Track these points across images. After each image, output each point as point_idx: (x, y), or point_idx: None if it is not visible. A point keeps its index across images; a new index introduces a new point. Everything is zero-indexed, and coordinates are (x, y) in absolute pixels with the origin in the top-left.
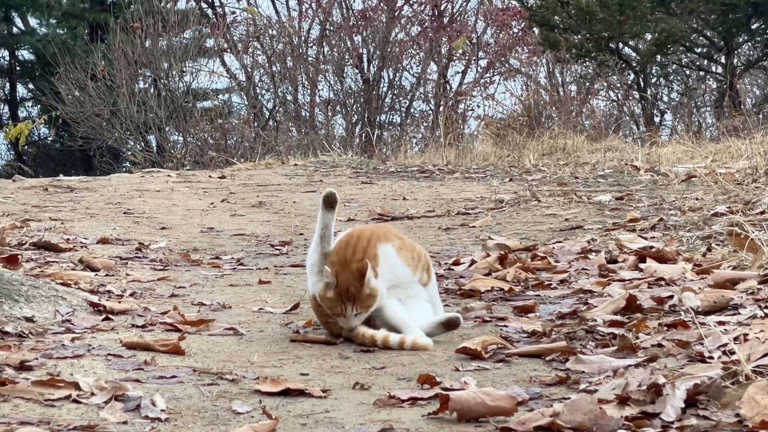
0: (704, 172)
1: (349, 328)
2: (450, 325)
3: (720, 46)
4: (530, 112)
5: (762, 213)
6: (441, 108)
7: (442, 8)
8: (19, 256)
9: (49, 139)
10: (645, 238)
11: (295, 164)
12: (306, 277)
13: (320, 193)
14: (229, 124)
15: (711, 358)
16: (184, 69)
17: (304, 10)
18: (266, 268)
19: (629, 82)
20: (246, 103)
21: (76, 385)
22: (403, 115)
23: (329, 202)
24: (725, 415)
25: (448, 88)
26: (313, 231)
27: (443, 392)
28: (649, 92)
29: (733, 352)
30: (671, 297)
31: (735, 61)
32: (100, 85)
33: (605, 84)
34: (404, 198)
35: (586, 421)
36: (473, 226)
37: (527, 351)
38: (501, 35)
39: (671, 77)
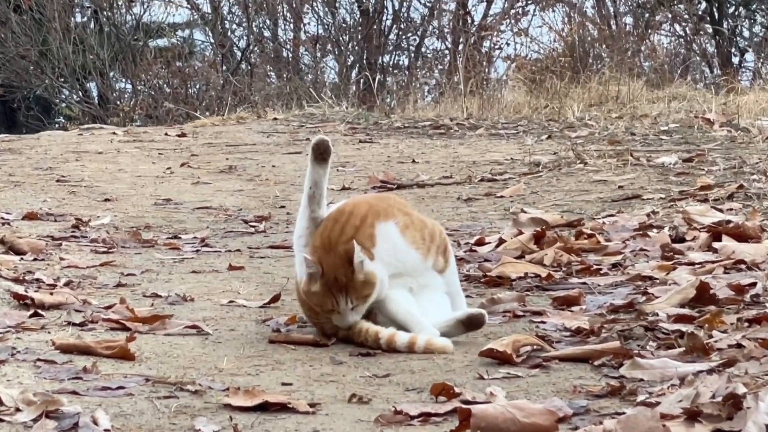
0: None
1: (346, 325)
2: (472, 323)
3: None
4: (574, 52)
5: None
6: (460, 47)
7: None
8: None
9: None
10: (720, 211)
11: (275, 118)
12: (291, 260)
13: (307, 153)
14: (191, 68)
15: None
16: None
17: None
18: (238, 251)
19: (700, 12)
20: (212, 41)
21: None
22: (412, 55)
23: (320, 153)
24: None
25: (469, 21)
26: (299, 203)
27: (463, 406)
28: (725, 25)
29: None
30: (754, 285)
31: None
32: (25, 19)
33: (669, 15)
34: (413, 161)
35: None
36: (501, 196)
37: (570, 354)
38: None
39: (754, 6)
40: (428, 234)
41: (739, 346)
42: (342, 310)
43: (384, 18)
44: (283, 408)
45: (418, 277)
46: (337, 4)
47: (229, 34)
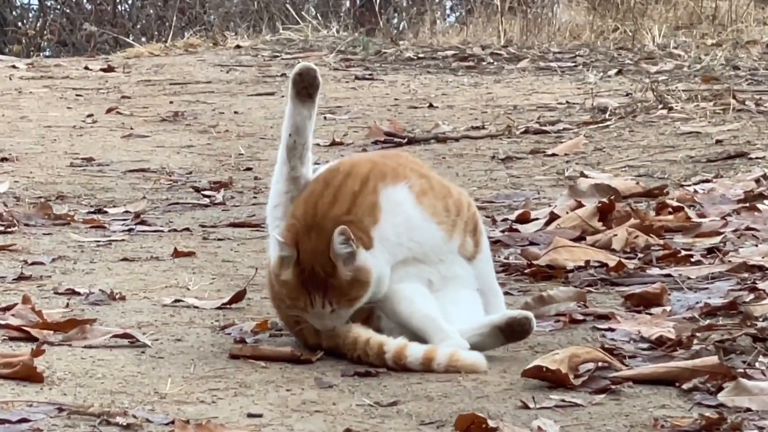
0: None
1: (323, 329)
2: (514, 330)
3: None
4: None
5: None
6: None
7: None
8: None
9: None
10: None
11: (238, 47)
12: (260, 243)
13: (285, 90)
14: None
15: None
16: None
17: None
18: (187, 230)
19: None
20: None
21: None
22: None
23: (304, 86)
24: None
25: None
26: (273, 162)
27: None
28: None
29: None
30: None
31: None
32: None
33: None
34: (431, 105)
35: None
36: (553, 155)
37: (649, 374)
38: None
39: None
40: (453, 204)
41: None
42: (317, 313)
43: None
44: None
45: (440, 265)
46: None
47: None
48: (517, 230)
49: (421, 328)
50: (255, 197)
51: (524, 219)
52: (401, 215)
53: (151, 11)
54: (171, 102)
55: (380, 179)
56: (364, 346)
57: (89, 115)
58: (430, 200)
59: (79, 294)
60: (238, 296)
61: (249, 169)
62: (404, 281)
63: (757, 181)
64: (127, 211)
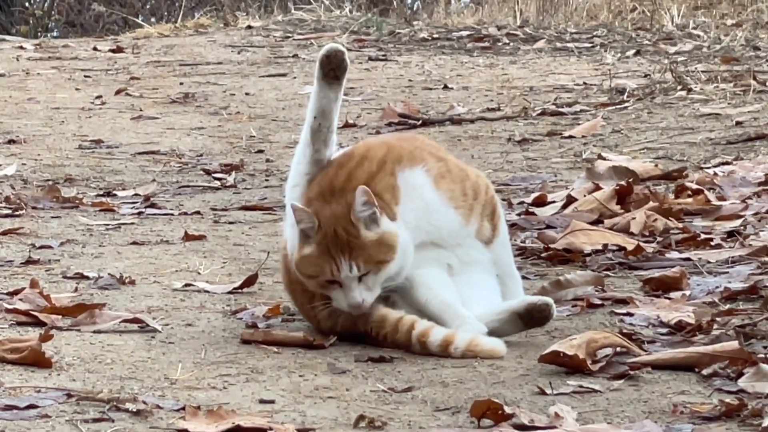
0: None
1: (354, 305)
2: (533, 317)
3: None
4: None
5: None
6: None
7: None
8: None
9: None
10: None
11: (249, 27)
12: (272, 227)
13: (296, 72)
14: None
15: None
16: None
17: None
18: (197, 213)
19: None
20: None
21: None
22: None
23: (332, 68)
24: None
25: None
26: (283, 144)
27: None
28: None
29: None
30: None
31: None
32: None
33: None
34: (445, 86)
35: None
36: (570, 137)
37: (668, 359)
38: None
39: None
40: (471, 188)
41: None
42: (345, 278)
43: None
44: None
45: (458, 249)
46: None
47: None
48: (533, 213)
49: (438, 314)
50: (267, 180)
51: (541, 202)
52: (419, 199)
53: None
54: (181, 83)
55: (397, 162)
56: (395, 323)
57: (98, 97)
58: (448, 184)
59: (87, 278)
60: (250, 280)
61: (260, 151)
62: (422, 266)
63: None
64: (136, 194)
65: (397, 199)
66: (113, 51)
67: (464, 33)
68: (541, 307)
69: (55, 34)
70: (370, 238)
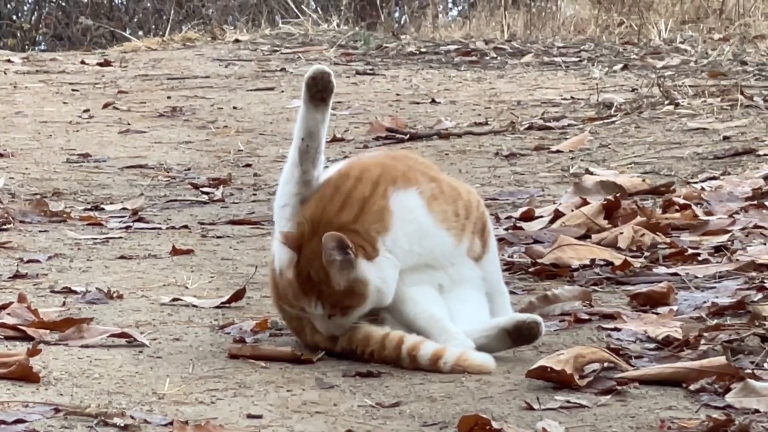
0: None
1: (326, 334)
2: (522, 334)
3: None
4: None
5: None
6: None
7: None
8: None
9: None
10: None
11: (237, 41)
12: (259, 241)
13: (280, 93)
14: None
15: None
16: None
17: None
18: (185, 227)
19: None
20: None
21: None
22: None
23: (318, 90)
24: None
25: None
26: (271, 158)
27: None
28: None
29: None
30: None
31: None
32: None
33: None
34: (433, 100)
35: None
36: (558, 151)
37: (656, 374)
38: None
39: None
40: (463, 207)
41: None
42: (313, 314)
43: None
44: None
45: (449, 269)
46: None
47: None
48: (521, 228)
49: (426, 329)
50: (254, 194)
51: (528, 216)
52: (413, 223)
53: (149, 4)
54: (169, 97)
55: (390, 183)
56: (381, 340)
57: (85, 111)
58: (441, 206)
59: (75, 292)
60: (238, 295)
61: (248, 165)
62: (414, 286)
63: (766, 178)
64: (124, 208)
65: (387, 226)
66: (101, 64)
67: (452, 47)
68: (530, 325)
69: (42, 47)
70: (338, 286)
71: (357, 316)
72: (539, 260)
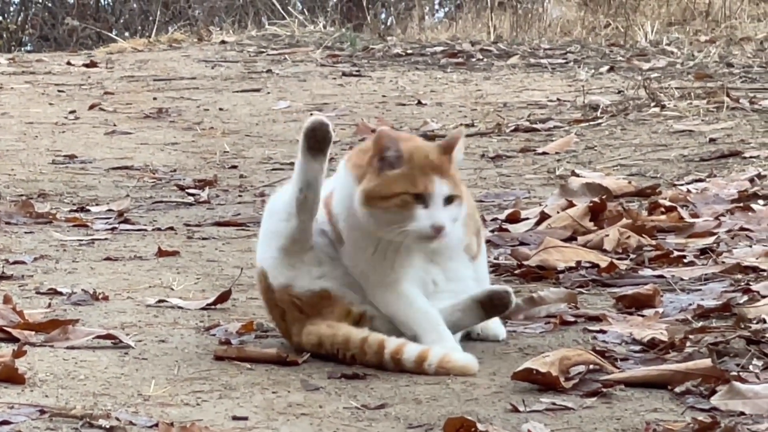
0: None
1: (438, 225)
2: (493, 303)
3: None
4: None
5: None
6: None
7: None
8: None
9: None
10: None
11: (223, 42)
12: (245, 243)
13: (266, 95)
14: None
15: None
16: None
17: None
18: (171, 229)
19: None
20: None
21: None
22: None
23: (317, 141)
24: None
25: None
26: (258, 161)
27: None
28: None
29: None
30: None
31: None
32: None
33: None
34: (419, 102)
35: None
36: (544, 153)
37: (641, 377)
38: None
39: None
40: (469, 206)
41: None
42: (436, 194)
43: None
44: None
45: (448, 264)
46: None
47: None
48: (507, 230)
49: (416, 327)
50: (240, 195)
51: (514, 219)
52: None
53: (135, 5)
54: (155, 98)
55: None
56: (360, 344)
57: (71, 112)
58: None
59: (61, 294)
60: (223, 297)
61: (234, 167)
62: (408, 282)
63: (751, 180)
64: (110, 210)
65: None
66: (87, 66)
67: (438, 49)
68: (501, 294)
69: (28, 48)
70: (457, 173)
71: (463, 212)
72: (525, 262)
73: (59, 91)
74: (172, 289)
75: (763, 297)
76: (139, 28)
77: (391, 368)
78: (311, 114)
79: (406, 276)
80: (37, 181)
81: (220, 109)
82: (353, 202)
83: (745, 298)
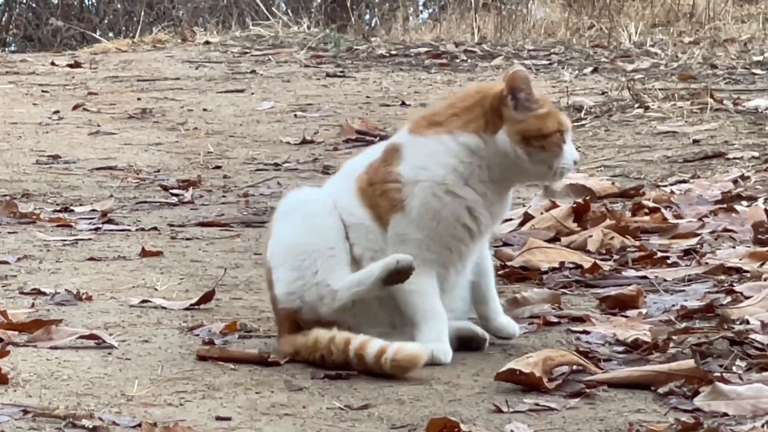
0: None
1: (576, 159)
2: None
3: None
4: None
5: None
6: None
7: None
8: None
9: None
10: None
11: (207, 42)
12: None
13: (250, 95)
14: None
15: None
16: None
17: None
18: (154, 229)
19: None
20: None
21: None
22: None
23: (398, 279)
24: None
25: None
26: (241, 161)
27: None
28: None
29: None
30: None
31: None
32: None
33: None
34: (403, 102)
35: None
36: None
37: (624, 377)
38: None
39: None
40: None
41: None
42: (570, 129)
43: None
44: None
45: (466, 260)
46: None
47: None
48: None
49: (421, 321)
50: (224, 196)
51: None
52: None
53: (119, 6)
54: (139, 99)
55: None
56: (328, 344)
57: (55, 112)
58: None
59: (44, 294)
60: (207, 297)
61: (218, 167)
62: (426, 277)
63: (735, 181)
64: (93, 210)
65: None
66: (71, 66)
67: (422, 49)
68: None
69: (12, 48)
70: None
71: None
72: (509, 263)
73: (43, 91)
74: (156, 290)
75: (747, 298)
76: (123, 28)
77: (356, 365)
78: (296, 114)
79: (432, 266)
80: (20, 181)
81: (204, 109)
82: (477, 150)
83: (729, 299)
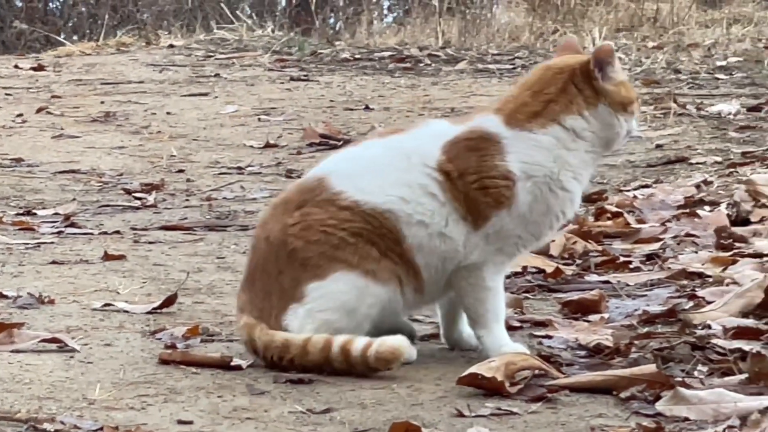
0: None
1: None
2: None
3: None
4: None
5: None
6: None
7: None
8: None
9: None
10: None
11: (171, 46)
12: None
13: (214, 99)
14: None
15: None
16: None
17: None
18: (117, 233)
19: None
20: None
21: None
22: None
23: None
24: None
25: None
26: (205, 165)
27: None
28: None
29: None
30: None
31: None
32: None
33: None
34: (367, 107)
35: None
36: None
37: (586, 382)
38: None
39: None
40: None
41: None
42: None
43: None
44: None
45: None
46: None
47: None
48: None
49: (491, 317)
50: (187, 200)
51: None
52: None
53: (83, 9)
54: (102, 102)
55: None
56: (303, 345)
57: (19, 115)
58: None
59: (6, 297)
60: (169, 301)
61: (181, 170)
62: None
63: (698, 186)
64: (56, 213)
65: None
66: (34, 69)
67: (386, 53)
68: None
69: None
70: None
71: None
72: None
73: (6, 94)
74: (118, 293)
75: (709, 303)
76: (88, 31)
77: (339, 363)
78: (259, 118)
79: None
80: None
81: (168, 113)
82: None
83: (691, 303)
